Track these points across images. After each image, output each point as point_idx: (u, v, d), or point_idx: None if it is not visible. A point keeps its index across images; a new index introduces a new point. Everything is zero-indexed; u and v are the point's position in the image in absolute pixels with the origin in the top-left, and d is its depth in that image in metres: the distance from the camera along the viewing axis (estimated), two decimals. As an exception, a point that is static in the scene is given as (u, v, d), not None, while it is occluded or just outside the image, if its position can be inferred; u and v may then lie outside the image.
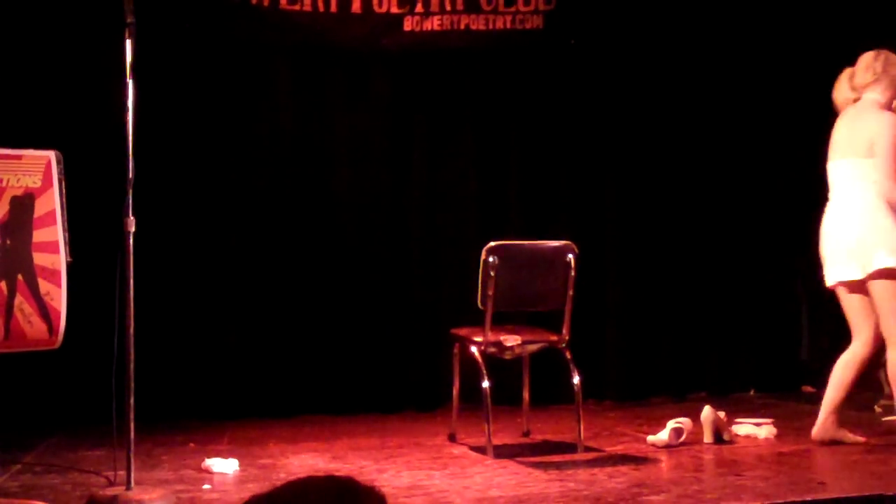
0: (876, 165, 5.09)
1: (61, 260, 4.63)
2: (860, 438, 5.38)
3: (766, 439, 5.60)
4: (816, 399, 6.89)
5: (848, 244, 5.17)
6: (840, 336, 7.17)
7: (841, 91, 5.33)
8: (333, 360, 6.63)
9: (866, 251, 5.11)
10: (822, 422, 5.34)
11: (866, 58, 5.26)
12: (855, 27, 6.65)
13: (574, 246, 5.46)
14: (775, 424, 5.75)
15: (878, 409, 6.38)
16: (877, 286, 5.13)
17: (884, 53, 5.26)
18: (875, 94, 5.23)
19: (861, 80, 5.26)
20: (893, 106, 5.27)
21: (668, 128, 7.13)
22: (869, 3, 6.90)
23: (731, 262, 7.16)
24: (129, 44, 4.46)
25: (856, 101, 5.29)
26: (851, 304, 5.31)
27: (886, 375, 6.81)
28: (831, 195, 5.30)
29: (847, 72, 5.33)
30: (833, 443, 5.32)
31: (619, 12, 7.04)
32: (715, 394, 6.88)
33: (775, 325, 7.21)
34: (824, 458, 5.13)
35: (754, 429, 5.69)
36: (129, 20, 4.45)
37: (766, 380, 7.15)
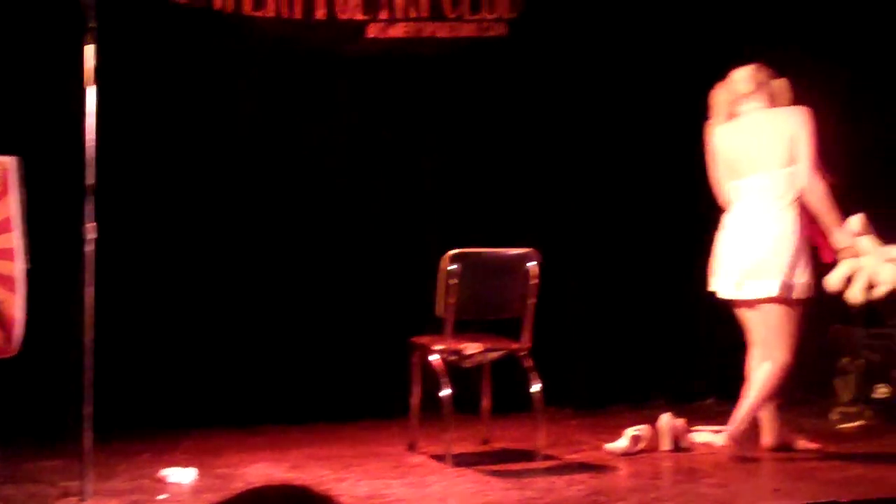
0: (799, 166, 5.12)
1: (19, 267, 4.61)
2: (812, 445, 5.43)
3: (724, 447, 5.64)
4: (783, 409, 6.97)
5: (760, 261, 5.22)
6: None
7: (720, 105, 5.36)
8: (293, 368, 6.60)
9: (777, 271, 5.18)
10: (769, 429, 5.38)
11: (746, 70, 5.31)
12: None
13: (536, 254, 5.48)
14: (733, 432, 5.79)
15: (834, 417, 6.44)
16: (775, 308, 5.25)
17: (763, 67, 5.32)
18: (759, 104, 5.29)
19: (743, 88, 5.30)
20: None
21: (633, 136, 7.17)
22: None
23: (692, 270, 7.18)
24: (90, 49, 4.44)
25: (731, 114, 5.31)
26: (750, 316, 5.38)
27: (843, 383, 6.92)
28: (742, 209, 5.28)
29: (722, 86, 5.37)
30: (784, 448, 5.36)
31: (584, 22, 7.07)
32: (673, 402, 6.91)
33: (732, 333, 7.24)
34: (781, 466, 5.18)
35: (712, 436, 5.72)
36: (90, 25, 4.44)
37: (724, 388, 7.17)
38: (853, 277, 5.24)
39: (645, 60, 7.16)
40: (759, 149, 5.23)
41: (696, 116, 7.04)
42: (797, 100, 5.29)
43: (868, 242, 5.20)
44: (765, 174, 5.21)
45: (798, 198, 5.19)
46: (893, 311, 6.82)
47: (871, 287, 5.20)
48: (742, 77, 5.31)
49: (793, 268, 5.17)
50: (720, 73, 5.54)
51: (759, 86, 5.28)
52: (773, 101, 5.28)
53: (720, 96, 5.35)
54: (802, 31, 6.89)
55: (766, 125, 5.24)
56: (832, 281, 5.23)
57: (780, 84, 5.32)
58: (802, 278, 5.19)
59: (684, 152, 7.14)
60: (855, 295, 5.23)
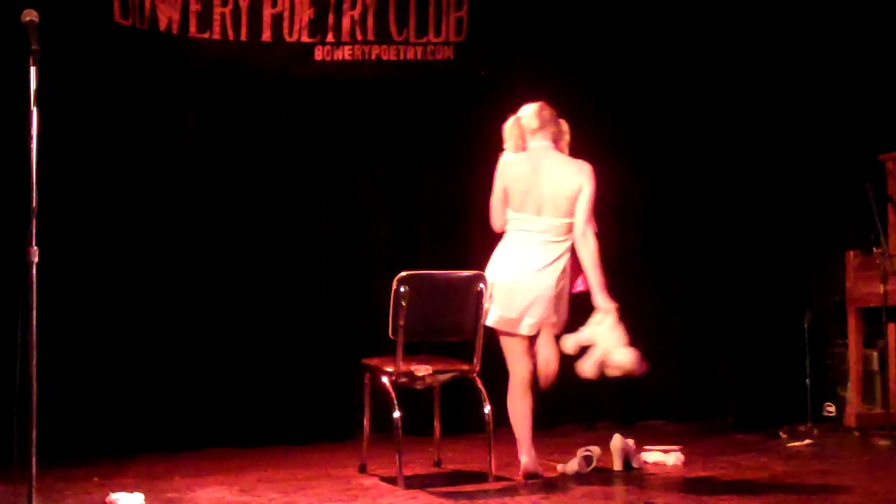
0: (576, 220, 5.34)
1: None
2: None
3: (674, 466, 5.68)
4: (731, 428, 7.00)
5: (546, 295, 5.33)
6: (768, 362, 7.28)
7: (511, 137, 5.49)
8: (242, 390, 6.57)
9: (556, 305, 5.35)
10: (533, 455, 5.40)
11: (533, 107, 5.50)
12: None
13: (485, 276, 5.48)
14: (683, 451, 5.82)
15: (783, 435, 6.50)
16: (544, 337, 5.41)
17: (547, 106, 5.52)
18: (546, 141, 5.46)
19: (530, 124, 5.46)
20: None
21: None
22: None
23: (633, 290, 7.22)
24: (33, 71, 4.39)
25: (520, 147, 5.47)
26: (521, 346, 5.42)
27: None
28: (520, 243, 5.37)
29: (512, 120, 5.52)
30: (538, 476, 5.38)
31: (528, 44, 7.12)
32: (623, 422, 6.93)
33: (684, 351, 7.30)
34: (731, 484, 5.20)
35: (662, 456, 5.76)
36: (33, 47, 4.38)
37: (673, 407, 7.21)
38: (589, 349, 5.28)
39: (593, 83, 7.22)
40: (545, 193, 5.36)
41: (641, 133, 7.22)
42: (574, 142, 5.56)
43: (613, 320, 5.27)
44: (547, 218, 5.35)
45: (571, 242, 5.39)
46: (839, 331, 6.92)
47: (602, 364, 5.26)
48: (529, 113, 5.49)
49: (558, 304, 5.36)
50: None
51: (545, 123, 5.47)
52: (557, 140, 5.50)
53: (511, 130, 5.50)
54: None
55: (556, 172, 5.38)
56: (568, 345, 5.31)
57: (563, 125, 5.54)
58: (563, 316, 5.40)
59: (632, 174, 7.25)
60: (586, 369, 5.27)
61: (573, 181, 5.37)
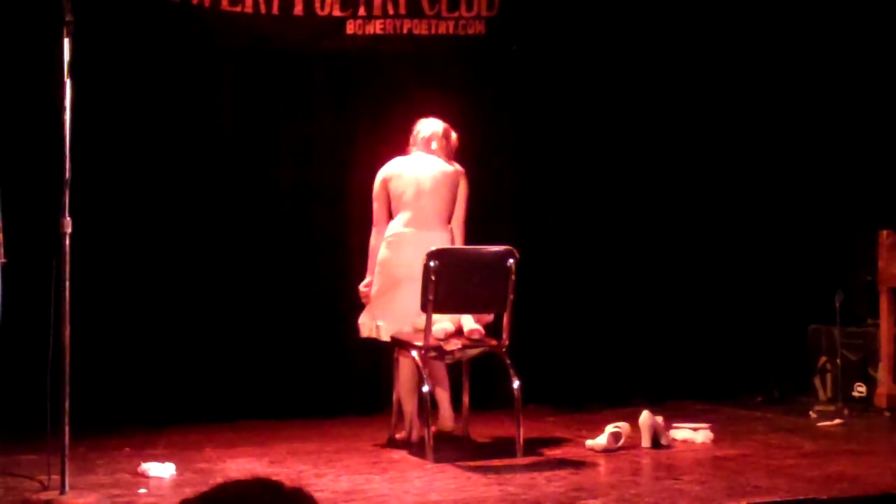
0: (455, 219, 5.76)
1: (-6, 261, 4.55)
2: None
3: (703, 444, 5.66)
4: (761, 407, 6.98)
5: None
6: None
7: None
8: (272, 363, 6.59)
9: None
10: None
11: (428, 121, 5.90)
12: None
13: (515, 251, 5.47)
14: (712, 429, 5.80)
15: (813, 415, 6.47)
16: None
17: (436, 118, 5.90)
18: (425, 150, 5.83)
19: (420, 135, 5.87)
20: None
21: (608, 133, 7.18)
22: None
23: (667, 268, 7.21)
24: (67, 42, 4.41)
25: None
26: None
27: (822, 382, 6.96)
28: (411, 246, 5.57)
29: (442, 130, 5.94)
30: None
31: (561, 19, 7.08)
32: (653, 399, 6.91)
33: (714, 329, 7.27)
34: (760, 463, 5.19)
35: (692, 433, 5.74)
36: (67, 18, 4.40)
37: (702, 386, 7.19)
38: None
39: (624, 59, 7.18)
40: (429, 203, 5.67)
41: (676, 108, 7.17)
42: (461, 150, 5.93)
43: None
44: (435, 232, 5.60)
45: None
46: (871, 310, 6.87)
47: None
48: (421, 126, 5.86)
49: None
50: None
51: (413, 140, 5.84)
52: (446, 151, 5.82)
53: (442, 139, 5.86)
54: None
55: (437, 182, 5.69)
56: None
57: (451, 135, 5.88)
58: None
59: (662, 150, 7.22)
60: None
61: (451, 188, 5.73)
